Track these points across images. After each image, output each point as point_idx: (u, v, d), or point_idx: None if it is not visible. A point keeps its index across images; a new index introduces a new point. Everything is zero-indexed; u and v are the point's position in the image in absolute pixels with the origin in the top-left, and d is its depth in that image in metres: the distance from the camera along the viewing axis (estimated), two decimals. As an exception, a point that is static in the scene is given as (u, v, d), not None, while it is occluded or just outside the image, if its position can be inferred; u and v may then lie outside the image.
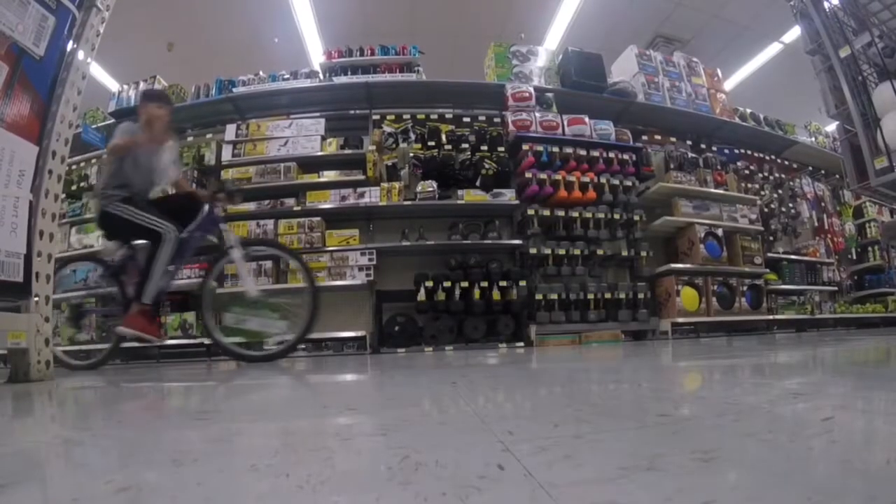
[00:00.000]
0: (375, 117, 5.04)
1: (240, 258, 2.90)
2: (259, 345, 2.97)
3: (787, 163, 6.58)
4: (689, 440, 0.60)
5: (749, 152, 6.10)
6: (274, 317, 2.88)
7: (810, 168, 6.84)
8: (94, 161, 5.36)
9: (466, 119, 4.95)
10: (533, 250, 4.31)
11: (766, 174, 6.06)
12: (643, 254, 4.65)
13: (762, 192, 5.84)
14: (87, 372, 3.02)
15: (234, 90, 5.18)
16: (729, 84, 8.05)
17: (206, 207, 2.96)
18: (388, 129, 4.80)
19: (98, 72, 7.40)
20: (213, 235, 3.01)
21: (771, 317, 5.22)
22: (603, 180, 4.60)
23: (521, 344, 4.23)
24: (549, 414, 0.91)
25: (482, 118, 4.99)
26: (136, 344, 4.40)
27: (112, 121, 5.26)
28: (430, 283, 4.19)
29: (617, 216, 4.58)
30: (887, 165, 3.29)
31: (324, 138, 4.81)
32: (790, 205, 6.08)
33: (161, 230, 2.76)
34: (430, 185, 4.45)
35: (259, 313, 2.88)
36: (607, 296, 4.44)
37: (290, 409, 1.15)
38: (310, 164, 4.75)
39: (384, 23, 7.38)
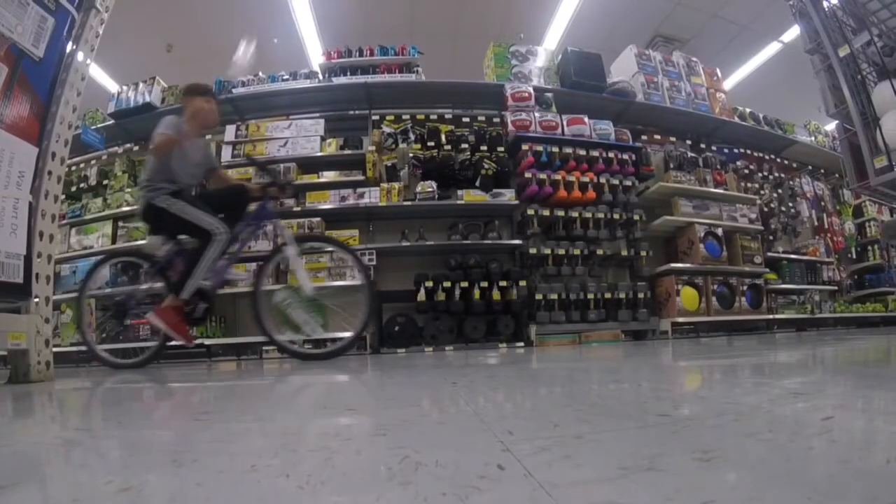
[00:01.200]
0: (375, 118, 5.04)
1: (295, 255, 2.80)
2: (322, 343, 2.92)
3: (786, 162, 6.58)
4: (689, 440, 0.60)
5: (749, 152, 6.10)
6: (319, 320, 2.82)
7: (810, 167, 6.84)
8: (93, 162, 5.36)
9: (466, 119, 4.95)
10: (533, 250, 4.31)
11: (765, 173, 6.06)
12: (643, 253, 4.65)
13: (762, 192, 5.84)
14: (132, 370, 2.92)
15: (234, 91, 5.17)
16: (728, 83, 8.06)
17: (259, 202, 2.90)
18: (387, 129, 4.80)
19: (97, 73, 7.40)
20: (265, 231, 2.93)
21: (771, 316, 5.21)
22: (602, 180, 4.60)
23: (521, 344, 4.22)
24: (549, 414, 0.91)
25: (481, 118, 5.00)
26: (141, 345, 4.41)
27: (111, 122, 5.26)
28: (429, 284, 4.19)
29: (617, 216, 4.58)
30: (887, 164, 3.29)
31: (323, 139, 4.81)
32: (790, 204, 6.08)
33: (211, 229, 2.68)
34: (430, 186, 4.45)
35: (309, 312, 2.80)
36: (607, 296, 4.44)
37: (291, 409, 1.15)
38: (309, 165, 4.75)
39: (383, 23, 7.38)
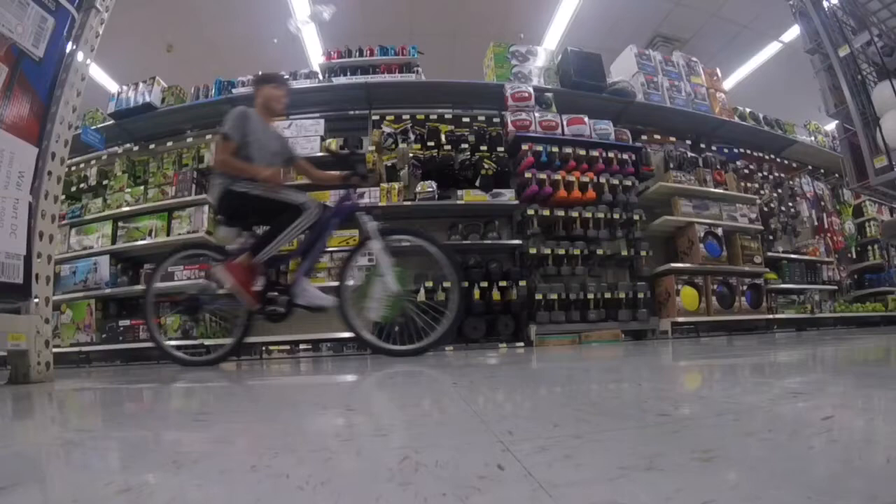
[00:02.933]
0: (375, 118, 5.04)
1: (380, 249, 2.70)
2: (412, 338, 2.82)
3: (786, 162, 6.58)
4: (689, 440, 0.60)
5: (748, 151, 6.11)
6: (397, 317, 2.74)
7: (810, 167, 6.84)
8: (93, 162, 5.36)
9: (466, 119, 4.95)
10: (532, 250, 4.31)
11: (765, 173, 6.06)
12: (643, 253, 4.65)
13: (762, 192, 5.84)
14: (206, 368, 2.84)
15: (234, 91, 5.17)
16: (728, 83, 8.06)
17: (342, 192, 2.86)
18: (387, 129, 4.80)
19: (97, 73, 7.40)
20: (348, 222, 2.84)
21: (771, 316, 5.22)
22: (602, 180, 4.60)
23: (521, 344, 4.22)
24: (548, 414, 0.91)
25: (481, 118, 4.99)
26: (141, 345, 4.41)
27: (111, 122, 5.26)
28: (429, 284, 4.18)
29: (616, 216, 4.58)
30: (887, 164, 3.29)
31: (323, 139, 4.81)
32: (790, 204, 6.08)
33: (301, 203, 2.63)
34: (430, 186, 4.45)
35: (391, 309, 2.72)
36: (607, 295, 4.44)
37: (291, 410, 1.15)
38: (309, 165, 4.75)
39: (383, 23, 7.38)
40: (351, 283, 2.86)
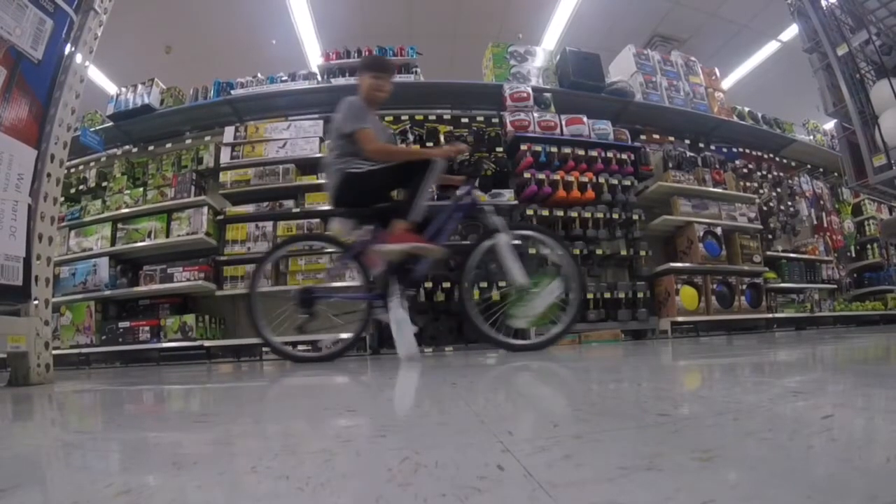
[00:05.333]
0: (374, 118, 5.03)
1: (506, 244, 2.66)
2: (525, 334, 2.80)
3: (785, 161, 6.59)
4: (689, 439, 0.60)
5: (747, 151, 6.11)
6: (531, 310, 2.66)
7: (809, 166, 6.85)
8: (92, 164, 5.36)
9: (465, 120, 4.95)
10: (532, 250, 4.30)
11: (764, 172, 6.07)
12: (642, 253, 4.65)
13: (761, 191, 5.84)
14: (321, 364, 2.78)
15: (233, 92, 5.18)
16: (727, 83, 8.07)
17: (465, 188, 2.85)
18: (386, 130, 4.80)
19: (96, 75, 7.41)
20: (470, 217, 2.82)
21: (770, 315, 5.22)
22: (601, 180, 4.60)
23: (521, 344, 4.22)
24: (548, 414, 0.91)
25: (480, 119, 4.99)
26: (141, 347, 4.41)
27: (110, 124, 5.26)
28: (429, 284, 4.19)
29: (616, 216, 4.58)
30: (886, 163, 3.29)
31: (322, 140, 4.81)
32: (789, 203, 6.08)
33: (427, 157, 2.62)
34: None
35: (521, 303, 2.66)
36: (606, 295, 4.44)
37: (290, 411, 1.15)
38: (309, 166, 4.75)
39: (382, 24, 7.39)
40: (468, 283, 2.80)
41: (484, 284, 3.77)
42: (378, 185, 2.71)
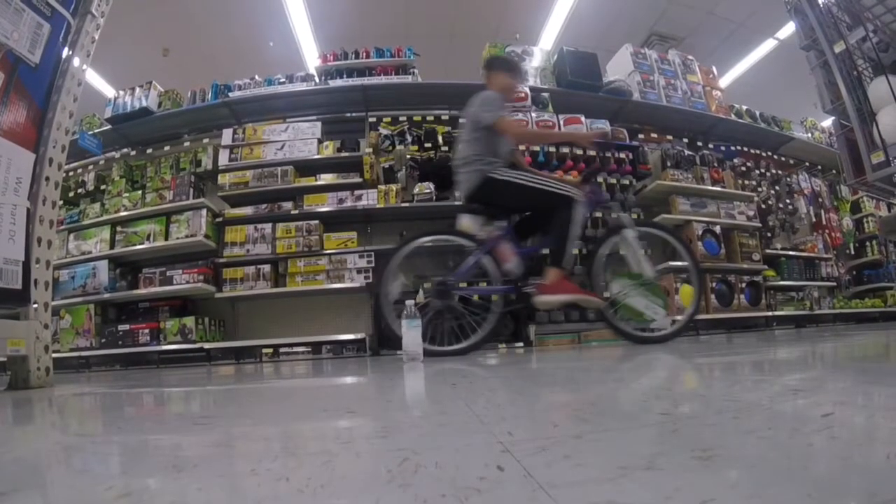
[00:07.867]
0: (372, 120, 5.04)
1: (633, 238, 2.83)
2: (645, 326, 2.88)
3: (783, 159, 6.60)
4: (689, 438, 0.60)
5: (745, 149, 6.12)
6: (659, 302, 2.79)
7: (807, 164, 6.85)
8: (91, 167, 5.36)
9: (463, 120, 4.94)
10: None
11: (762, 170, 6.07)
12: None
13: (759, 189, 5.85)
14: (454, 358, 2.76)
15: (230, 95, 5.18)
16: (724, 81, 8.08)
17: (591, 185, 2.93)
18: (384, 131, 4.80)
19: (94, 78, 7.40)
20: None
21: (770, 313, 5.22)
22: (600, 179, 4.60)
23: (521, 344, 4.22)
24: (548, 414, 0.91)
25: (479, 119, 4.99)
26: (140, 349, 4.41)
27: (108, 127, 5.25)
28: (428, 285, 4.18)
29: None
30: (884, 160, 3.30)
31: (320, 141, 4.81)
32: (787, 201, 6.09)
33: (570, 194, 2.62)
34: (428, 187, 4.46)
35: (648, 295, 2.78)
36: (606, 295, 4.43)
37: (290, 412, 1.15)
38: (307, 168, 4.76)
39: (379, 25, 7.39)
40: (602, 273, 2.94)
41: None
42: (514, 203, 2.78)
